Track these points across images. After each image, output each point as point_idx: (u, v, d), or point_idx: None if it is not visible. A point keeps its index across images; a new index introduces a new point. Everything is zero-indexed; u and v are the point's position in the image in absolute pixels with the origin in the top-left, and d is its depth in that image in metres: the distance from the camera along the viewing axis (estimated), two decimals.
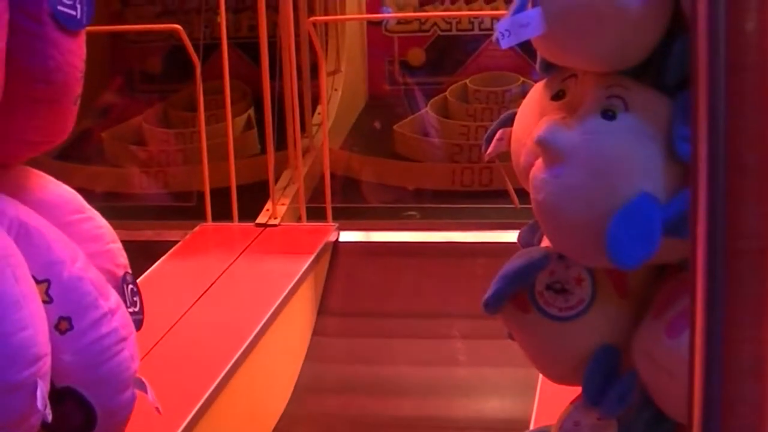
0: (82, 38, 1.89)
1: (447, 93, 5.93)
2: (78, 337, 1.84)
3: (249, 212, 4.71)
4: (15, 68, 1.74)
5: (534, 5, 1.68)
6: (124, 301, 2.07)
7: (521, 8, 1.69)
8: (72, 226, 2.04)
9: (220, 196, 4.72)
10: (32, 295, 1.76)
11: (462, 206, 4.96)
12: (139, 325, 2.14)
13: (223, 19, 4.68)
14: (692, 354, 0.95)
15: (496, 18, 5.87)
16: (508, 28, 1.67)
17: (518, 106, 1.94)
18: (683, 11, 1.63)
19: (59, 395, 1.87)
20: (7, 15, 1.66)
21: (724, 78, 0.89)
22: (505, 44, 1.67)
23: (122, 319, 1.94)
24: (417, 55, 6.36)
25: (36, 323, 1.73)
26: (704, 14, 0.90)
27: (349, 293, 4.39)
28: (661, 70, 1.68)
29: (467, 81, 6.01)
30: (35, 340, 1.72)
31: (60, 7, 1.78)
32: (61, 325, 1.82)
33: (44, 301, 1.80)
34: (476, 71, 6.10)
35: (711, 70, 0.90)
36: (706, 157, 0.92)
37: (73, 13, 1.82)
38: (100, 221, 2.16)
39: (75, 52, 1.85)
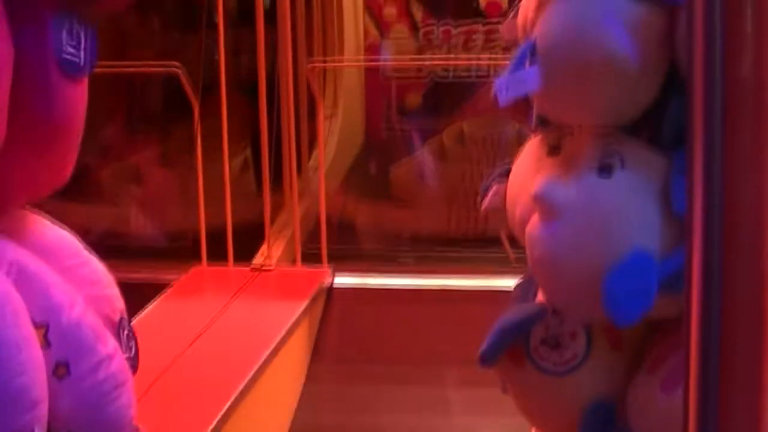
0: (85, 84, 1.90)
1: (443, 136, 5.95)
2: (76, 383, 1.84)
3: (245, 253, 4.72)
4: (18, 113, 1.75)
5: (532, 62, 1.70)
6: (120, 347, 2.07)
7: (519, 65, 1.71)
8: (70, 271, 2.04)
9: (217, 237, 4.73)
10: (31, 339, 1.75)
11: (457, 253, 4.97)
12: (133, 370, 2.14)
13: (222, 59, 4.71)
14: (686, 406, 0.96)
15: (494, 66, 5.94)
16: (506, 84, 1.69)
17: (514, 151, 1.95)
18: (680, 68, 1.65)
19: None
20: (12, 59, 1.67)
21: (720, 135, 0.91)
22: (503, 100, 1.69)
23: (120, 364, 1.93)
24: (414, 100, 6.39)
25: (35, 368, 1.73)
26: (700, 71, 0.91)
27: (344, 338, 4.39)
28: (658, 126, 1.69)
29: (464, 125, 6.04)
30: (34, 385, 1.71)
31: (65, 54, 1.79)
32: (60, 370, 1.82)
33: (43, 346, 1.80)
34: (473, 116, 6.13)
35: (707, 126, 0.91)
36: (701, 215, 0.93)
37: (77, 60, 1.83)
38: (97, 266, 2.15)
39: (78, 98, 1.86)
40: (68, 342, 1.83)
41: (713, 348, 0.93)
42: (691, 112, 0.91)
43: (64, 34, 1.80)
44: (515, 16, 1.92)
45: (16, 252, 1.86)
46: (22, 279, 1.80)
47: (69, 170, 1.98)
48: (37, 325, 1.80)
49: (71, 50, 1.81)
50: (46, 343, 1.82)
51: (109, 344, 1.93)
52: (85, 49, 1.85)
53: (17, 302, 1.74)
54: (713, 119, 0.90)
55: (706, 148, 0.91)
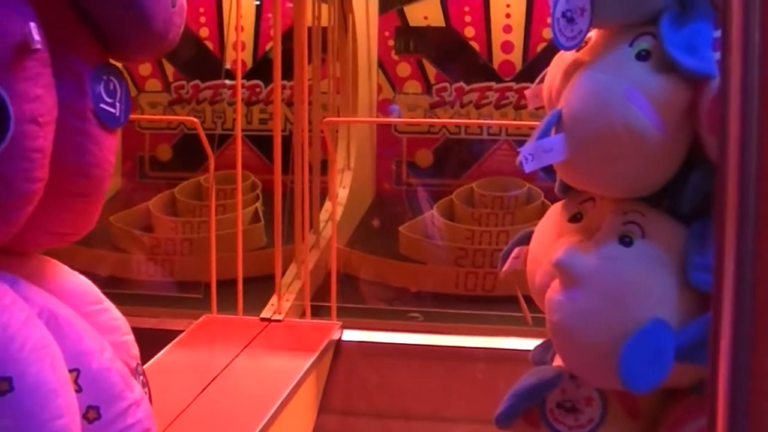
0: (118, 135, 1.94)
1: (453, 196, 5.98)
2: (105, 427, 1.86)
3: (254, 305, 4.73)
4: (56, 162, 1.79)
5: (557, 131, 1.73)
6: None
7: (545, 133, 1.73)
8: (90, 317, 2.07)
9: (225, 287, 4.73)
10: (67, 384, 1.79)
11: (465, 311, 4.98)
12: None
13: (239, 112, 4.75)
14: None
15: (506, 127, 6.00)
16: (532, 153, 1.72)
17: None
18: (701, 142, 1.67)
19: None
20: (56, 112, 1.72)
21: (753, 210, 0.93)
22: (528, 168, 1.72)
23: (146, 410, 1.96)
24: (425, 157, 6.43)
25: (71, 412, 1.76)
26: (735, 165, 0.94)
27: (351, 392, 4.38)
28: (678, 198, 1.72)
29: (473, 185, 6.06)
30: (69, 429, 1.74)
31: (102, 105, 1.84)
32: (90, 414, 1.85)
33: (74, 390, 1.83)
34: (482, 175, 6.16)
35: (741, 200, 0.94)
36: (732, 298, 0.95)
37: (113, 111, 1.87)
38: (115, 313, 2.19)
39: (111, 148, 1.90)
40: (98, 387, 1.87)
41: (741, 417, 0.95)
42: (721, 185, 0.94)
43: (102, 87, 1.85)
44: (541, 82, 1.96)
45: (45, 298, 1.90)
46: (52, 325, 1.83)
47: (95, 217, 2.02)
48: (68, 370, 1.84)
49: (108, 101, 1.86)
50: (78, 388, 1.85)
51: (136, 390, 1.97)
52: (120, 100, 1.90)
53: (55, 347, 1.78)
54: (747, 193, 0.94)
55: (739, 222, 0.94)
